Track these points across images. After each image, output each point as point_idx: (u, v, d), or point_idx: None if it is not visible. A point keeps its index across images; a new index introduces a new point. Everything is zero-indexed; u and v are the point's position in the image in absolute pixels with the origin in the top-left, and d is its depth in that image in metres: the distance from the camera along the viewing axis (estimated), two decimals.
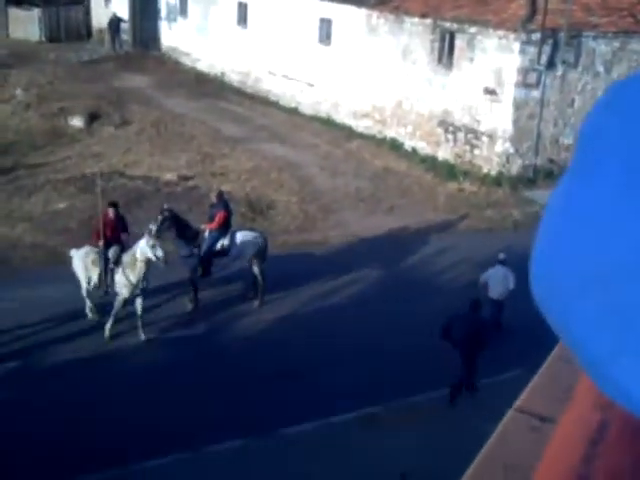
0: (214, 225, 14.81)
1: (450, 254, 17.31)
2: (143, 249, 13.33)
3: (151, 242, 13.30)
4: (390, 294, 15.36)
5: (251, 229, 15.81)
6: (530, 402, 1.66)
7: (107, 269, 13.65)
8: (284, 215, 19.38)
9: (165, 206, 15.19)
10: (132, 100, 27.94)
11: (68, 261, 16.62)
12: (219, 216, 14.77)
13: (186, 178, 21.21)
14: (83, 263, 13.95)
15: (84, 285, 13.95)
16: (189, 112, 27.15)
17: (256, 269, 14.90)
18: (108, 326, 13.48)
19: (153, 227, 14.79)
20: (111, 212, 14.43)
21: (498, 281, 13.81)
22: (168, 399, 11.56)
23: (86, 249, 14.15)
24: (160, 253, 13.20)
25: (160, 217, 14.67)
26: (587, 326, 0.57)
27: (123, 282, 13.46)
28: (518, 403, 1.63)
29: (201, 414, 11.22)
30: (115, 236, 14.09)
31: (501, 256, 14.15)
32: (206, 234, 14.88)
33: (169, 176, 21.27)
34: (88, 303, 14.06)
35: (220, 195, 15.29)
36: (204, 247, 14.51)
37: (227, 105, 28.73)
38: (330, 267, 16.39)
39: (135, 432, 10.73)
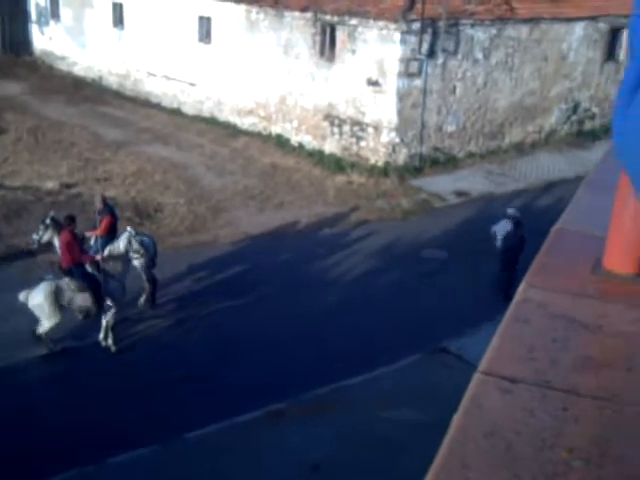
0: (100, 232, 14.30)
1: (342, 246, 17.37)
2: None
3: None
4: (285, 289, 15.27)
5: (140, 233, 15.33)
6: (495, 364, 1.53)
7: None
8: (172, 217, 18.94)
9: (52, 213, 14.63)
10: (6, 108, 26.80)
11: None
12: (105, 222, 14.30)
13: (68, 186, 20.45)
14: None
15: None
16: (68, 118, 26.26)
17: (145, 274, 14.51)
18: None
19: (35, 237, 14.28)
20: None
21: (504, 233, 15.05)
22: (64, 412, 11.06)
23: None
24: None
25: (42, 226, 14.16)
26: None
27: None
28: (484, 366, 1.50)
29: (104, 424, 10.80)
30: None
31: (509, 211, 15.53)
32: (92, 242, 14.38)
33: (50, 185, 20.45)
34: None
35: (104, 201, 14.80)
36: (92, 254, 13.97)
37: (107, 109, 27.95)
38: (222, 266, 16.19)
39: (35, 446, 10.22)
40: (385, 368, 12.32)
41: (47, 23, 33.94)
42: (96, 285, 12.97)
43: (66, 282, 12.89)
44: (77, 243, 13.19)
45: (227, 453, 10.01)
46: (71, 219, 13.44)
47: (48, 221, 14.18)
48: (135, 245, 14.21)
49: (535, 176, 22.64)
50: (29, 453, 10.14)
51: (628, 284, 2.06)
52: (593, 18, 25.11)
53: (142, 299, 14.59)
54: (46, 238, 14.17)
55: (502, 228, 15.14)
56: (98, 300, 12.93)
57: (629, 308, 1.91)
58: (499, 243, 15.03)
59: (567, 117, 26.02)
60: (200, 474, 9.58)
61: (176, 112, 27.75)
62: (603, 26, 25.51)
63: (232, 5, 25.40)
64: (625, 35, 25.66)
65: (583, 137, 25.97)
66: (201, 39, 26.86)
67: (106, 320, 13.15)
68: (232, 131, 25.60)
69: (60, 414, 11.10)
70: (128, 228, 14.18)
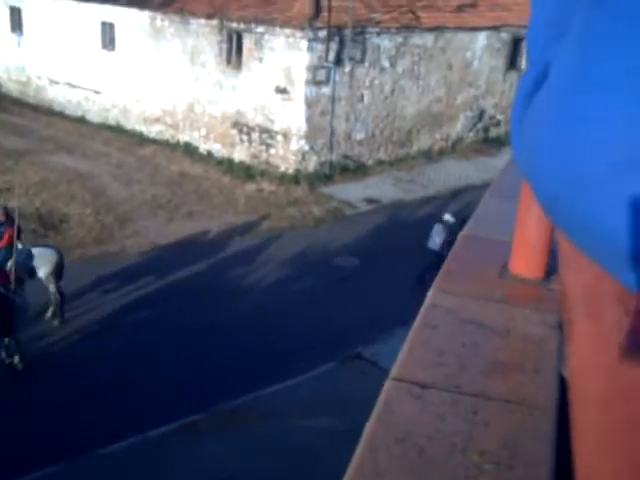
0: (2, 243, 13.88)
1: (254, 255, 17.30)
2: None
3: None
4: (195, 299, 15.10)
5: (45, 245, 14.95)
6: (406, 370, 1.54)
7: None
8: (78, 228, 18.53)
9: None
10: None
11: None
12: (7, 234, 13.86)
13: None
14: None
15: None
16: None
17: (52, 287, 14.11)
18: None
19: None
20: None
21: (436, 234, 15.87)
22: None
23: None
24: None
25: None
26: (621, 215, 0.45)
27: None
28: (395, 372, 1.50)
29: (6, 443, 10.44)
30: None
31: (445, 216, 16.32)
32: None
33: None
34: None
35: (6, 212, 14.32)
36: None
37: (7, 117, 27.14)
38: (130, 277, 15.89)
39: None
40: (300, 377, 12.30)
41: None
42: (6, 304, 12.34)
43: None
44: None
45: (139, 469, 9.81)
46: None
47: None
48: (36, 257, 13.89)
49: (443, 183, 23.09)
50: None
51: (534, 288, 2.10)
52: (496, 28, 25.79)
53: (49, 313, 14.19)
54: None
55: (437, 232, 15.81)
56: (9, 319, 12.27)
57: (535, 311, 1.95)
58: (435, 246, 15.61)
59: (473, 124, 26.64)
60: None
61: (80, 120, 27.19)
62: (505, 36, 26.24)
63: (136, 11, 25.05)
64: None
65: (489, 144, 26.63)
66: (104, 46, 26.40)
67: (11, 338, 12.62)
68: (139, 139, 25.24)
69: None
70: (19, 245, 13.74)
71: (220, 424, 10.77)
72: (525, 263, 2.17)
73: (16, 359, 12.51)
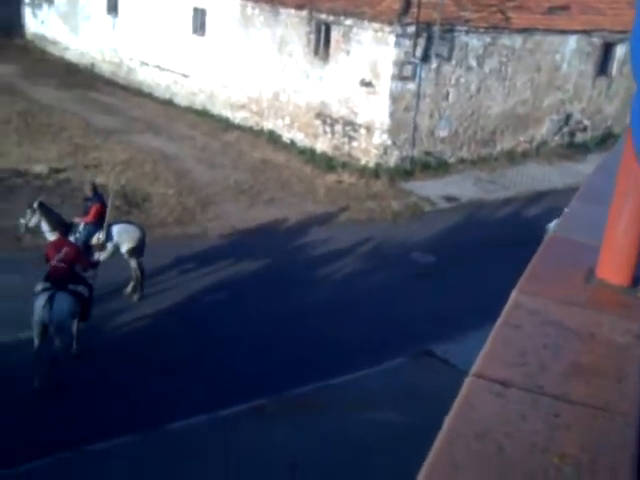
0: (89, 218, 14.26)
1: (331, 246, 17.35)
2: None
3: None
4: (271, 286, 15.26)
5: (128, 222, 15.30)
6: (487, 368, 1.54)
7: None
8: (161, 208, 18.90)
9: (41, 198, 14.60)
10: None
11: None
12: (94, 209, 14.23)
13: (57, 170, 20.37)
14: None
15: None
16: (58, 103, 26.12)
17: (133, 263, 14.47)
18: None
19: (22, 221, 14.23)
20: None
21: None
22: (51, 401, 11.03)
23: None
24: None
25: (29, 210, 14.12)
26: None
27: None
28: (476, 369, 1.51)
29: (86, 413, 10.78)
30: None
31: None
32: (80, 228, 14.29)
33: (39, 168, 20.37)
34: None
35: (94, 188, 14.70)
36: (79, 241, 13.86)
37: (99, 96, 27.82)
38: (210, 259, 16.15)
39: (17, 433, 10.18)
40: (370, 369, 12.32)
41: (40, 6, 33.76)
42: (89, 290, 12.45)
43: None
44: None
45: (207, 446, 10.00)
46: (65, 226, 13.18)
47: (35, 205, 14.17)
48: (119, 233, 14.25)
49: (525, 185, 22.73)
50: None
51: (620, 295, 2.08)
52: (587, 32, 25.20)
53: (129, 288, 14.55)
54: (33, 223, 14.16)
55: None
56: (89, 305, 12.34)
57: (621, 319, 1.93)
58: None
59: (559, 128, 26.11)
60: (179, 466, 9.57)
61: (168, 103, 27.68)
62: (596, 40, 25.62)
63: None
64: (618, 50, 25.82)
65: (574, 149, 26.08)
66: (195, 31, 26.80)
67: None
68: (224, 125, 25.56)
69: (44, 399, 11.05)
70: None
71: (287, 410, 10.88)
72: (612, 269, 2.15)
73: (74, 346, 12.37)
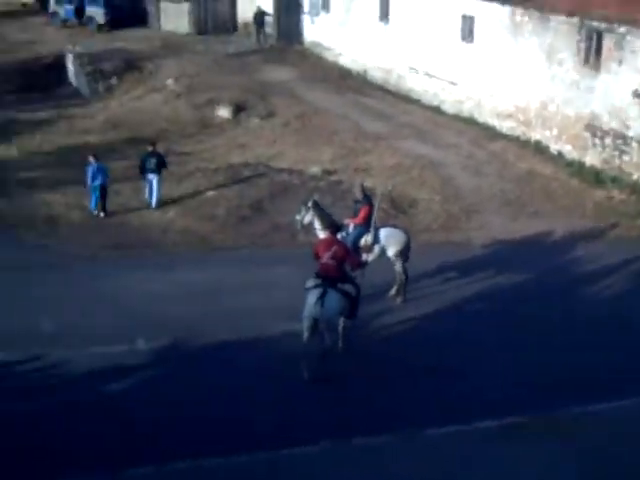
0: (358, 220, 14.90)
1: (598, 263, 16.75)
2: None
3: None
4: (532, 300, 15.03)
5: (394, 226, 15.79)
6: None
7: None
8: (426, 214, 19.34)
9: (315, 196, 15.52)
10: (276, 93, 28.50)
11: (216, 246, 17.30)
12: (363, 211, 14.84)
13: (330, 172, 21.48)
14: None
15: None
16: (332, 107, 27.43)
17: (398, 266, 14.88)
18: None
19: (297, 217, 15.19)
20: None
21: None
22: (312, 393, 11.68)
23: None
24: None
25: (303, 208, 15.01)
26: None
27: None
28: None
29: (342, 409, 11.24)
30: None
31: None
32: (350, 229, 14.97)
33: (313, 169, 21.61)
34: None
35: (363, 190, 15.31)
36: (348, 241, 14.50)
37: (369, 101, 28.84)
38: (471, 268, 16.22)
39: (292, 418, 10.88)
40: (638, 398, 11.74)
41: (317, 14, 35.48)
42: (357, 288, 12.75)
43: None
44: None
45: (458, 459, 9.93)
46: (336, 226, 13.70)
47: (310, 204, 15.06)
48: (386, 237, 14.76)
49: None
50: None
51: None
52: None
53: (393, 291, 15.02)
54: (307, 220, 15.05)
55: None
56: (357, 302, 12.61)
57: None
58: None
59: None
60: (430, 473, 9.63)
61: (436, 110, 28.09)
62: None
63: (497, 6, 25.31)
64: None
65: None
66: (464, 38, 27.00)
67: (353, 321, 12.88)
68: (490, 133, 25.55)
69: (313, 390, 11.69)
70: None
71: (545, 430, 10.63)
72: None
73: (340, 342, 12.79)
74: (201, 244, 17.49)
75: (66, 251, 16.63)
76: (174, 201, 19.81)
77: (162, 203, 19.54)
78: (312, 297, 11.83)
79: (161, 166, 19.66)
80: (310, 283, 12.21)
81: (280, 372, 11.97)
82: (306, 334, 11.91)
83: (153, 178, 19.56)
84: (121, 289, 14.67)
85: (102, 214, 18.95)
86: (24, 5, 48.72)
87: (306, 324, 11.89)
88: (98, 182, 18.78)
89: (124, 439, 10.10)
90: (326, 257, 12.23)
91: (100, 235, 17.70)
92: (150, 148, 19.92)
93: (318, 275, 12.22)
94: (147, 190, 19.76)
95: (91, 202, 19.10)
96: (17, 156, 23.15)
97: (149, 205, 19.63)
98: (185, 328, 13.19)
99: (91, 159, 18.92)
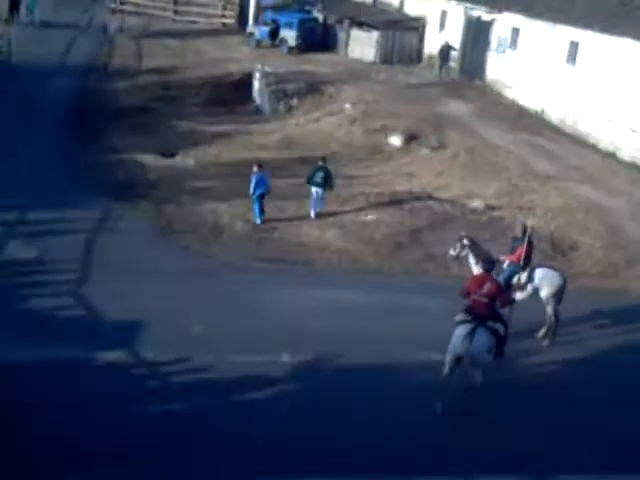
0: (514, 257, 14.84)
1: None
2: None
3: None
4: None
5: (551, 267, 15.55)
6: None
7: None
8: (586, 258, 18.90)
9: (463, 233, 15.60)
10: (450, 125, 28.65)
11: (369, 269, 17.68)
12: (520, 249, 14.76)
13: (492, 208, 21.40)
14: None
15: None
16: (504, 143, 27.25)
17: (550, 308, 14.67)
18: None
19: (452, 252, 15.31)
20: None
21: None
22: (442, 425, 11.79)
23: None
24: None
25: (458, 243, 15.13)
26: None
27: None
28: None
29: (474, 444, 11.28)
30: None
31: None
32: (505, 265, 14.92)
33: (476, 203, 21.61)
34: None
35: (524, 229, 15.19)
36: (500, 278, 14.46)
37: (543, 141, 28.39)
38: (627, 319, 15.71)
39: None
40: None
41: (504, 52, 35.31)
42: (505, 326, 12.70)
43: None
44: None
45: None
46: (491, 263, 13.51)
47: (465, 239, 15.17)
48: (541, 277, 14.57)
49: None
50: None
51: None
52: None
53: (541, 332, 14.80)
54: (461, 254, 15.18)
55: None
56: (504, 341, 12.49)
57: None
58: None
59: None
60: None
61: (611, 156, 27.25)
62: None
63: None
64: None
65: None
66: None
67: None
68: None
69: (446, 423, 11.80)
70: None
71: None
72: None
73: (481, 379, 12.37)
74: (355, 266, 17.90)
75: (226, 260, 17.50)
76: (335, 221, 20.37)
77: (322, 221, 20.19)
78: (461, 333, 11.76)
79: (327, 181, 20.59)
80: (459, 318, 12.18)
81: (414, 401, 12.09)
82: (447, 368, 11.87)
83: (318, 190, 20.58)
84: (272, 301, 15.30)
85: (258, 220, 19.95)
86: (224, 25, 51.58)
87: (449, 358, 11.85)
88: (260, 191, 19.84)
89: (258, 447, 10.64)
90: (478, 294, 12.15)
91: (260, 247, 18.50)
92: (320, 162, 20.98)
93: (468, 311, 12.17)
94: (311, 201, 20.70)
95: (255, 211, 20.09)
96: (193, 166, 24.59)
97: (310, 215, 20.55)
98: (328, 345, 13.60)
99: (255, 168, 19.97)
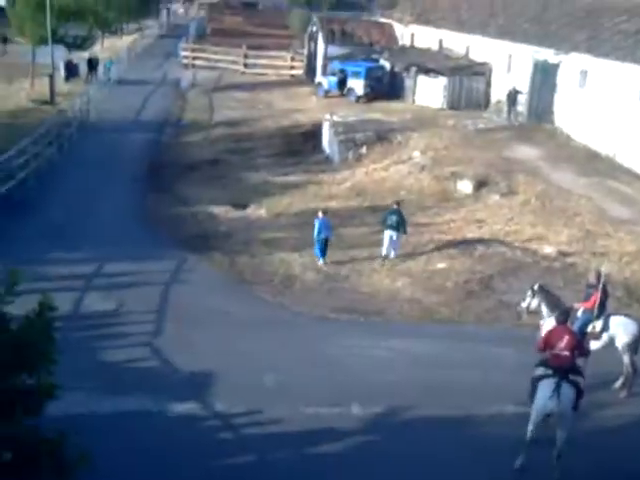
0: (588, 305, 14.60)
1: None
2: None
3: None
4: None
5: (627, 315, 15.22)
6: None
7: None
8: None
9: (540, 282, 15.40)
10: (520, 171, 28.47)
11: (440, 318, 17.62)
12: (595, 297, 14.52)
13: (565, 254, 21.13)
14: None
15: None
16: (575, 188, 26.91)
17: (626, 358, 14.30)
18: None
19: (523, 305, 15.09)
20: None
21: None
22: None
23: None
24: None
25: (529, 292, 14.93)
26: None
27: None
28: None
29: None
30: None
31: None
32: (579, 313, 14.69)
33: (548, 250, 21.37)
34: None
35: (599, 276, 14.91)
36: (574, 327, 14.22)
37: (616, 185, 27.92)
38: None
39: None
40: None
41: (572, 94, 35.00)
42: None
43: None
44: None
45: None
46: (566, 314, 12.95)
47: (536, 288, 14.96)
48: (616, 326, 14.26)
49: None
50: None
51: None
52: None
53: (618, 383, 14.43)
54: (533, 306, 14.91)
55: None
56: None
57: None
58: None
59: None
60: None
61: None
62: None
63: None
64: None
65: None
66: None
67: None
68: None
69: None
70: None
71: None
72: None
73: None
74: (426, 315, 17.85)
75: (298, 310, 17.69)
76: (405, 270, 20.40)
77: (392, 269, 20.28)
78: (546, 390, 11.35)
79: (401, 224, 20.99)
80: (539, 372, 11.80)
81: (488, 455, 11.93)
82: (532, 426, 11.49)
83: (392, 234, 20.99)
84: (343, 352, 15.35)
85: (321, 262, 20.60)
86: (292, 76, 52.76)
87: (536, 417, 11.47)
88: (323, 235, 20.57)
89: None
90: (557, 348, 11.81)
91: (331, 297, 18.64)
92: (394, 206, 21.51)
93: (547, 365, 11.77)
94: (385, 244, 21.11)
95: (315, 251, 20.83)
96: (265, 216, 24.99)
97: (384, 257, 20.99)
98: (399, 397, 13.53)
99: (320, 214, 20.83)
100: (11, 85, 46.33)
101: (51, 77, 41.90)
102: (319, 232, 20.57)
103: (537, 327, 14.60)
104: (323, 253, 20.70)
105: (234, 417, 12.78)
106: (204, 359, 14.56)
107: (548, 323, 13.84)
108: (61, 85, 44.99)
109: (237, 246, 21.77)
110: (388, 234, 21.04)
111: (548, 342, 11.98)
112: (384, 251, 21.11)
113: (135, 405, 12.84)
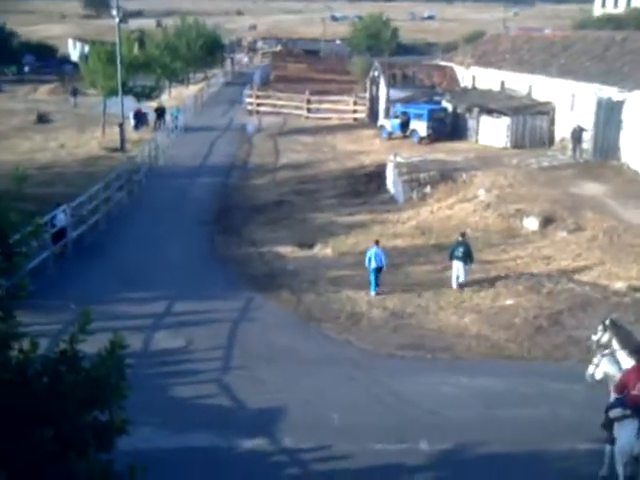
0: None
1: None
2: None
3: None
4: None
5: None
6: None
7: None
8: None
9: (612, 317, 15.08)
10: (586, 207, 28.13)
11: (509, 355, 17.43)
12: None
13: (636, 289, 20.75)
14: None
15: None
16: None
17: None
18: None
19: (593, 338, 14.81)
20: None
21: None
22: None
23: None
24: None
25: (600, 327, 14.64)
26: None
27: None
28: None
29: None
30: None
31: None
32: None
33: (618, 285, 21.02)
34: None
35: None
36: None
37: None
38: None
39: None
40: None
41: (638, 130, 34.60)
42: None
43: None
44: None
45: None
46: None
47: (607, 323, 14.67)
48: None
49: None
50: None
51: None
52: None
53: None
54: (604, 340, 14.59)
55: None
56: None
57: None
58: None
59: None
60: None
61: None
62: None
63: None
64: None
65: None
66: None
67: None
68: None
69: None
70: None
71: None
72: None
73: None
74: (494, 351, 17.68)
75: (365, 347, 17.72)
76: (472, 306, 20.29)
77: (459, 307, 20.22)
78: (630, 431, 11.16)
79: (467, 255, 21.47)
80: (618, 413, 11.54)
81: None
82: (621, 470, 11.20)
83: (459, 265, 21.41)
84: (411, 388, 15.31)
85: (372, 293, 20.96)
86: (355, 120, 53.40)
87: (623, 460, 11.22)
88: (376, 265, 20.98)
89: None
90: (637, 388, 11.46)
91: (398, 334, 18.60)
92: (460, 238, 22.06)
93: (626, 405, 11.48)
94: (453, 275, 21.52)
95: (371, 283, 21.19)
96: (331, 255, 25.15)
97: (460, 285, 21.41)
98: (467, 433, 13.43)
99: (373, 244, 21.55)
100: (83, 134, 47.98)
101: (121, 126, 43.27)
102: (369, 261, 21.06)
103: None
104: (374, 284, 21.02)
105: (302, 453, 12.85)
106: (272, 395, 14.69)
107: (624, 361, 13.38)
108: (130, 133, 46.35)
109: (304, 285, 21.95)
110: (456, 265, 21.45)
111: (628, 383, 11.67)
112: (454, 284, 21.43)
113: (203, 441, 13.01)
